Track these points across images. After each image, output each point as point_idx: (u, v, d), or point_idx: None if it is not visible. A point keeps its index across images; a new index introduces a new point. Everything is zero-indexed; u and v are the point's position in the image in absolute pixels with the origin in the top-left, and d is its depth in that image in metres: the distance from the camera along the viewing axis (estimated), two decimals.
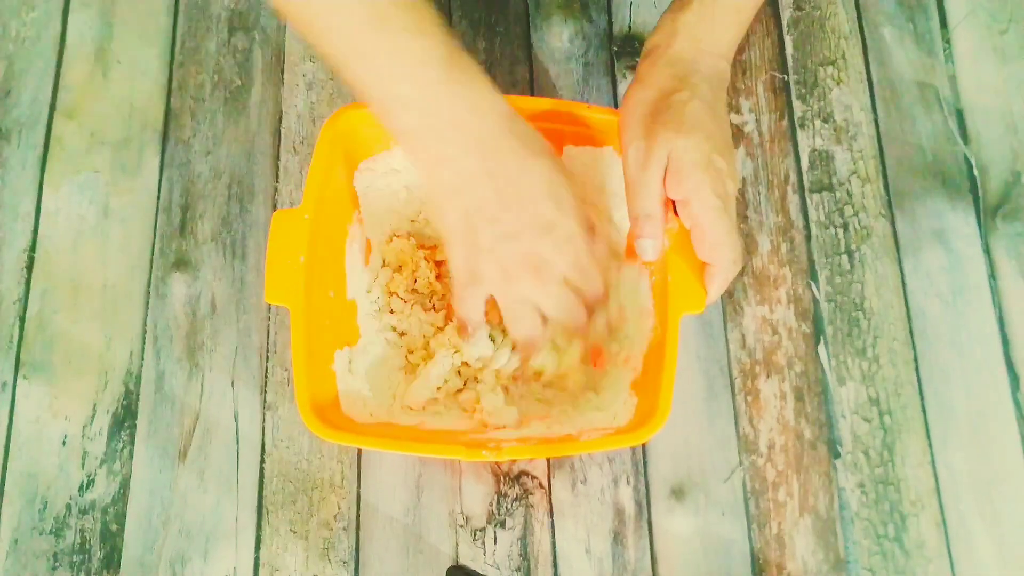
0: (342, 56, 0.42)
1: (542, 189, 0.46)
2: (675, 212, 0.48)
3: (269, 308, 0.60)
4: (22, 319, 0.60)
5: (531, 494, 0.56)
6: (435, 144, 0.44)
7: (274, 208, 0.62)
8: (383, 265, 0.57)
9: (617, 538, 0.55)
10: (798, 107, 0.63)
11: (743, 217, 0.61)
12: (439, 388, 0.53)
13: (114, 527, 0.56)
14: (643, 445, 0.56)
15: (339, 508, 0.56)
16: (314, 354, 0.49)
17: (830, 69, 0.64)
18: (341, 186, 0.54)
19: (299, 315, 0.48)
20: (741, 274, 0.59)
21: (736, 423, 0.57)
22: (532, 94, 0.64)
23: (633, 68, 0.64)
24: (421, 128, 0.44)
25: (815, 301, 0.59)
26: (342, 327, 0.53)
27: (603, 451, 0.56)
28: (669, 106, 0.47)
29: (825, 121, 0.63)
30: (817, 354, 0.58)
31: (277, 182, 0.63)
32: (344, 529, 0.55)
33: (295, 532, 0.55)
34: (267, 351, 0.59)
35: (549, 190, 0.46)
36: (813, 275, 0.60)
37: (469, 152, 0.44)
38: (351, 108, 0.51)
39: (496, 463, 0.56)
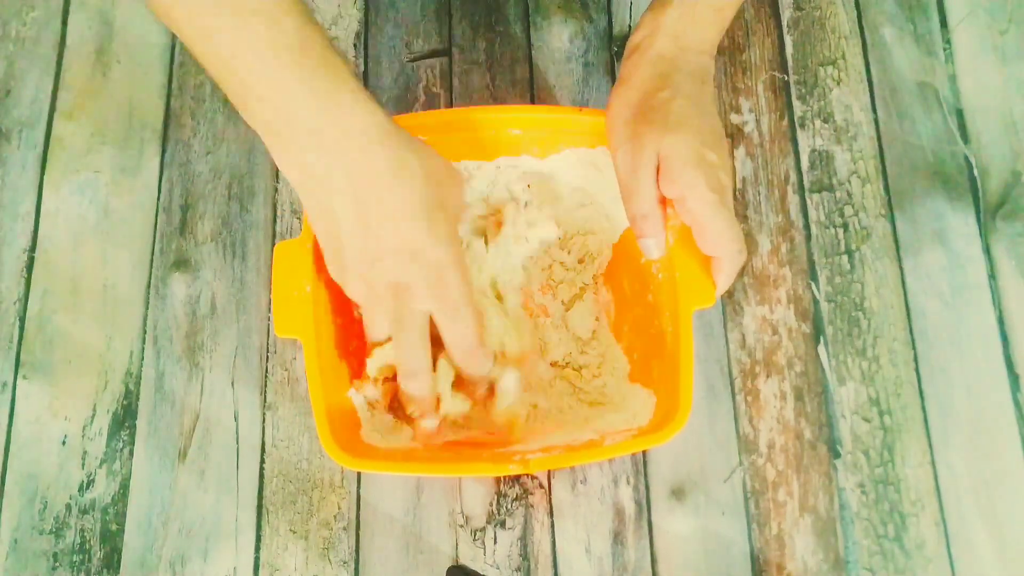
0: (191, 38, 0.39)
1: (412, 207, 0.43)
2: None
3: (269, 308, 0.60)
4: (22, 319, 0.60)
5: (531, 494, 0.56)
6: (297, 151, 0.41)
7: (274, 209, 0.62)
8: None
9: (617, 538, 0.55)
10: (798, 107, 0.63)
11: (743, 217, 0.61)
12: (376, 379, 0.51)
13: (114, 527, 0.56)
14: None
15: (339, 508, 0.56)
16: (329, 384, 0.48)
17: (830, 69, 0.64)
18: None
19: (311, 347, 0.47)
20: (741, 274, 0.59)
21: (736, 423, 0.57)
22: (532, 94, 0.64)
23: None
24: (279, 128, 0.41)
25: (815, 301, 0.59)
26: (353, 353, 0.53)
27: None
28: (653, 106, 0.47)
29: (825, 121, 0.63)
30: (817, 354, 0.58)
31: (277, 182, 0.63)
32: (344, 529, 0.55)
33: (295, 532, 0.55)
34: (267, 351, 0.59)
35: (420, 207, 0.43)
36: (813, 275, 0.60)
37: (331, 165, 0.41)
38: None
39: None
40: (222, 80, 0.40)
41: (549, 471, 0.56)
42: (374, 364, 0.50)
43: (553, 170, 0.56)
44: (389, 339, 0.48)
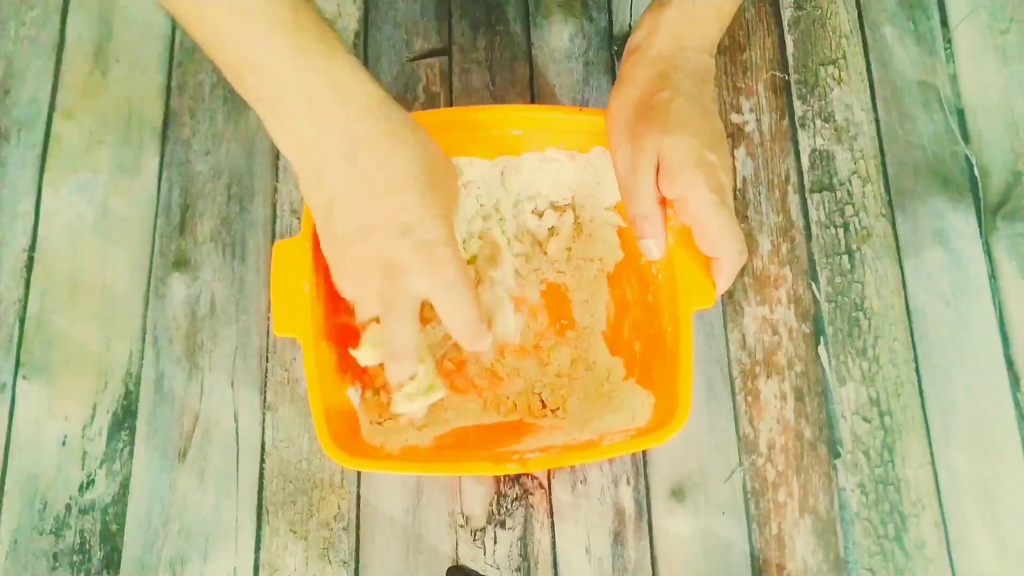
0: (185, 15, 0.39)
1: (406, 180, 0.42)
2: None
3: (269, 308, 0.60)
4: (21, 319, 0.60)
5: (531, 494, 0.56)
6: (292, 122, 0.41)
7: (273, 208, 0.62)
8: None
9: (617, 538, 0.55)
10: (799, 107, 0.63)
11: (743, 217, 0.61)
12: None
13: (114, 527, 0.56)
14: None
15: (339, 508, 0.56)
16: (327, 383, 0.48)
17: (831, 69, 0.64)
18: None
19: (309, 346, 0.47)
20: (741, 274, 0.59)
21: (736, 423, 0.57)
22: (532, 93, 0.64)
23: None
24: (275, 100, 0.40)
25: (815, 301, 0.59)
26: (350, 353, 0.53)
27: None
28: (653, 106, 0.47)
29: (826, 121, 0.63)
30: (817, 354, 0.58)
31: (277, 182, 0.63)
32: (344, 529, 0.55)
33: (295, 532, 0.55)
34: (267, 351, 0.59)
35: (414, 182, 0.42)
36: (813, 275, 0.60)
37: (328, 135, 0.41)
38: None
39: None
40: (217, 55, 0.40)
41: (549, 471, 0.56)
42: (365, 350, 0.48)
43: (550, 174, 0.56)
44: (375, 320, 0.46)
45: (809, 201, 0.61)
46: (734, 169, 0.61)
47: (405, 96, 0.64)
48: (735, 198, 0.56)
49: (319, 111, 0.40)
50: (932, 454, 0.56)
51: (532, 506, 0.55)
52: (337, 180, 0.42)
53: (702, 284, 0.48)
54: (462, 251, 0.49)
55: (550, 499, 0.56)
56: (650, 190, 0.46)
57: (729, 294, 0.59)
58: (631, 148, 0.47)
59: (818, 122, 0.63)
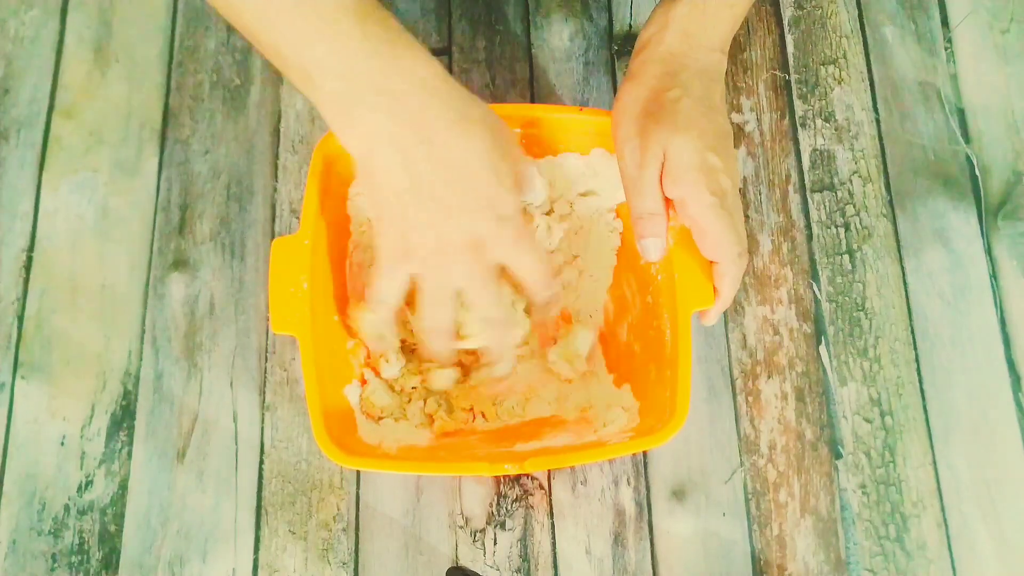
0: (251, 21, 0.40)
1: (481, 159, 0.43)
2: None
3: (268, 308, 0.60)
4: (20, 319, 0.60)
5: (531, 495, 0.55)
6: (361, 112, 0.41)
7: (273, 208, 0.62)
8: None
9: (617, 539, 0.55)
10: (799, 106, 0.63)
11: (744, 217, 0.61)
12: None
13: (113, 528, 0.56)
14: None
15: (338, 509, 0.56)
16: (325, 381, 0.48)
17: (831, 68, 0.64)
18: (339, 207, 0.53)
19: (307, 343, 0.47)
20: (744, 274, 0.59)
21: (737, 424, 0.57)
22: (532, 93, 0.64)
23: None
24: (344, 94, 0.41)
25: (816, 301, 0.59)
26: (348, 352, 0.53)
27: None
28: (662, 105, 0.46)
29: (826, 120, 0.63)
30: (818, 354, 0.58)
31: (276, 182, 0.63)
32: (343, 530, 0.55)
33: (294, 533, 0.55)
34: (266, 351, 0.59)
35: (488, 160, 0.43)
36: (814, 275, 0.60)
37: (399, 120, 0.41)
38: None
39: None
40: (285, 65, 0.41)
41: (549, 472, 0.56)
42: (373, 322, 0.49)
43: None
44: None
45: (810, 201, 0.61)
46: (738, 171, 0.60)
47: None
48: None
49: (388, 99, 0.41)
50: (933, 454, 0.56)
51: (532, 507, 0.55)
52: (413, 168, 0.42)
53: (701, 285, 0.48)
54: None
55: (550, 500, 0.55)
56: (655, 187, 0.46)
57: None
58: (638, 145, 0.46)
59: (819, 122, 0.63)
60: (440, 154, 0.42)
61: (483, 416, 0.54)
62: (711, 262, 0.47)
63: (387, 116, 0.41)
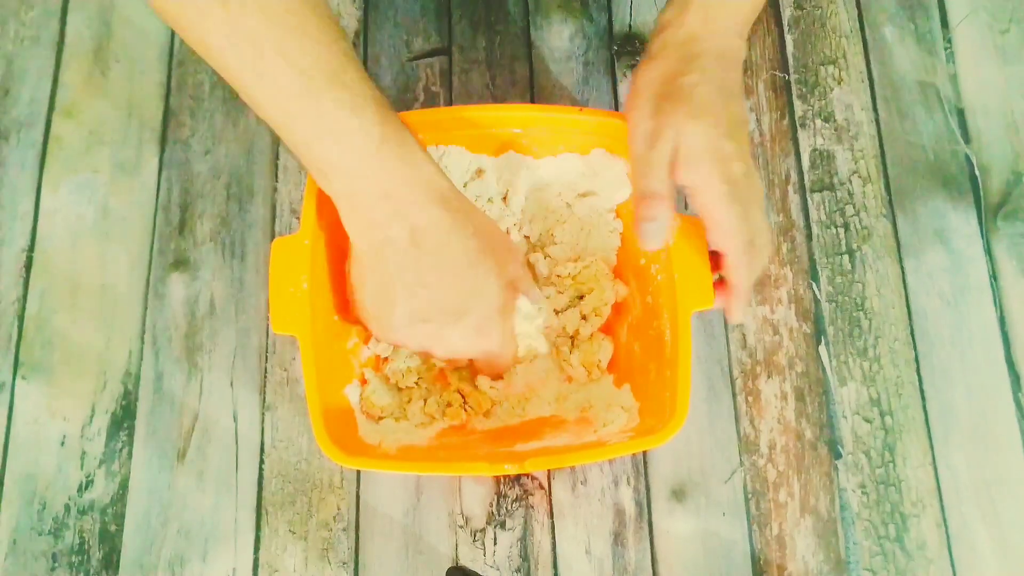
0: (277, 122, 0.42)
1: (464, 263, 0.46)
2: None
3: (268, 308, 0.60)
4: (21, 319, 0.60)
5: (531, 495, 0.55)
6: (365, 210, 0.45)
7: (273, 208, 0.62)
8: None
9: (617, 539, 0.55)
10: (799, 106, 0.63)
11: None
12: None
13: (113, 528, 0.56)
14: None
15: (338, 509, 0.56)
16: (325, 381, 0.48)
17: (831, 68, 0.64)
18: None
19: (307, 343, 0.47)
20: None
21: (737, 423, 0.57)
22: (532, 93, 0.64)
23: (633, 67, 0.64)
24: (353, 194, 0.45)
25: (816, 301, 0.59)
26: (348, 352, 0.53)
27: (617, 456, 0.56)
28: (678, 88, 0.45)
29: (826, 120, 0.63)
30: (818, 354, 0.58)
31: (276, 181, 0.63)
32: (344, 530, 0.55)
33: (294, 533, 0.55)
34: (266, 351, 0.59)
35: (470, 265, 0.46)
36: (814, 275, 0.60)
37: (396, 220, 0.45)
38: None
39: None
40: (303, 157, 0.44)
41: (549, 472, 0.56)
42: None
43: (550, 176, 0.56)
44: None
45: (809, 201, 0.61)
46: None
47: (405, 96, 0.64)
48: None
49: (391, 202, 0.44)
50: (933, 454, 0.56)
51: (532, 507, 0.55)
52: (399, 262, 0.46)
53: (701, 285, 0.47)
54: None
55: (550, 500, 0.55)
56: (664, 168, 0.45)
57: None
58: (652, 125, 0.45)
59: (818, 122, 0.63)
60: (425, 251, 0.45)
61: (484, 416, 0.54)
62: (715, 257, 0.47)
63: (385, 214, 0.44)
